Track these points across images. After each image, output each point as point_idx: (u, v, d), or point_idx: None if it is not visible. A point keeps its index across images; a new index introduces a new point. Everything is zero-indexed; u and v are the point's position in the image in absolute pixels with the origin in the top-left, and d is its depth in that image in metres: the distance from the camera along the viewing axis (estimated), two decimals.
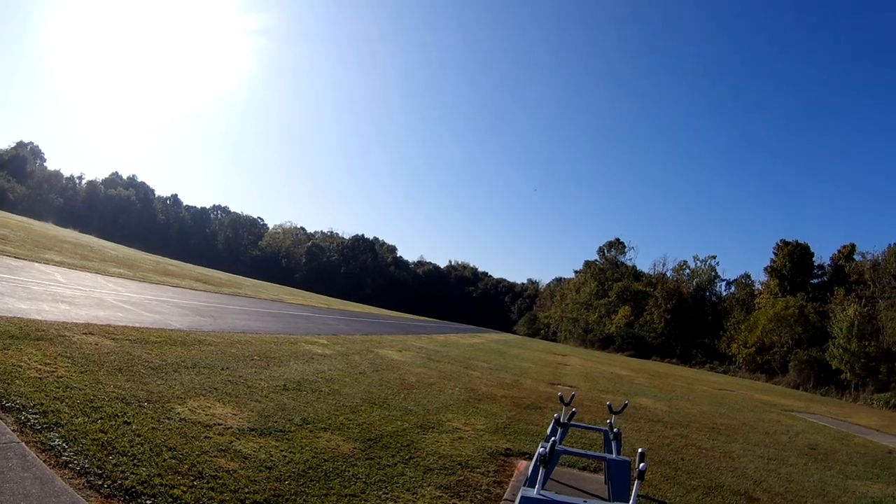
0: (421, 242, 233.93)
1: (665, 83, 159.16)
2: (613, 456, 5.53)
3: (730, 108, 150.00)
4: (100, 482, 3.89)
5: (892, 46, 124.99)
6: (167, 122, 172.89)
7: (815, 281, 71.94)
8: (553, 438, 4.26)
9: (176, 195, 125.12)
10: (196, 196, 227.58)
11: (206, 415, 5.90)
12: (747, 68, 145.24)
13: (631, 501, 3.53)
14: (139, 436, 4.83)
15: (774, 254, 73.54)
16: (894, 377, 44.75)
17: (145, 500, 3.74)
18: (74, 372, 6.17)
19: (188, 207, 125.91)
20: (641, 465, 3.58)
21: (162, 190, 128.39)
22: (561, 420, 5.97)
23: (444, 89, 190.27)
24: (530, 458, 7.08)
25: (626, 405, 8.06)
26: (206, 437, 5.20)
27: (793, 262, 70.74)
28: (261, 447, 5.32)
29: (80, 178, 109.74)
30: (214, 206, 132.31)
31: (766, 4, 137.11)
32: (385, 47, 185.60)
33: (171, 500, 3.82)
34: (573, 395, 8.02)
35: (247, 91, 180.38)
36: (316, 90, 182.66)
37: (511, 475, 6.44)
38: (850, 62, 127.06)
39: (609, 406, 7.10)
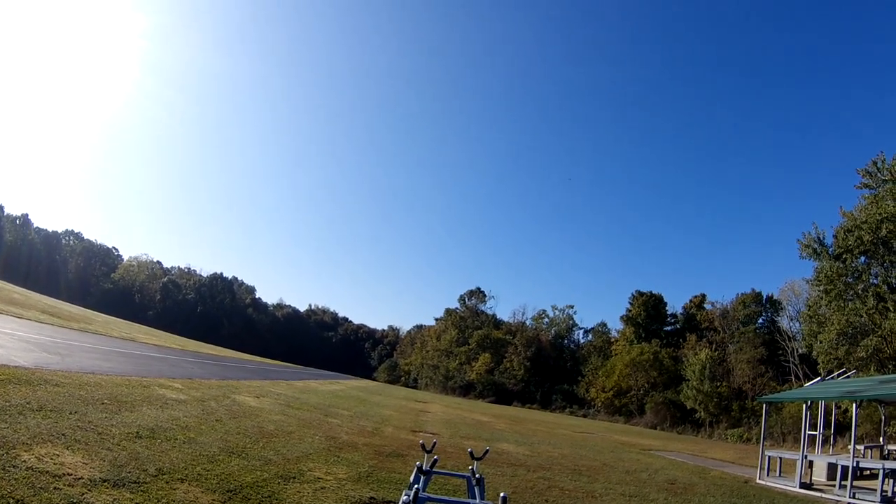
0: (281, 284, 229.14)
1: (527, 131, 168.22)
2: (477, 501, 5.92)
3: (587, 161, 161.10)
4: None
5: (734, 114, 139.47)
6: (22, 135, 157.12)
7: (669, 328, 79.43)
8: (416, 486, 4.55)
9: (27, 215, 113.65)
10: (48, 218, 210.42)
11: (55, 463, 5.84)
12: (605, 120, 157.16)
13: None
14: None
15: (630, 303, 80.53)
16: (746, 413, 49.96)
17: None
18: None
19: (38, 230, 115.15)
20: None
21: (12, 207, 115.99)
22: (423, 468, 6.35)
23: (314, 128, 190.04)
24: None
25: (487, 451, 8.58)
26: (55, 489, 5.18)
27: (647, 310, 77.78)
28: (114, 500, 5.35)
29: None
30: (67, 230, 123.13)
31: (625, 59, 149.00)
32: (245, 79, 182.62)
33: None
34: (435, 443, 8.41)
35: (109, 114, 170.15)
36: (174, 122, 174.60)
37: None
38: (700, 122, 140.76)
39: (471, 452, 7.56)
